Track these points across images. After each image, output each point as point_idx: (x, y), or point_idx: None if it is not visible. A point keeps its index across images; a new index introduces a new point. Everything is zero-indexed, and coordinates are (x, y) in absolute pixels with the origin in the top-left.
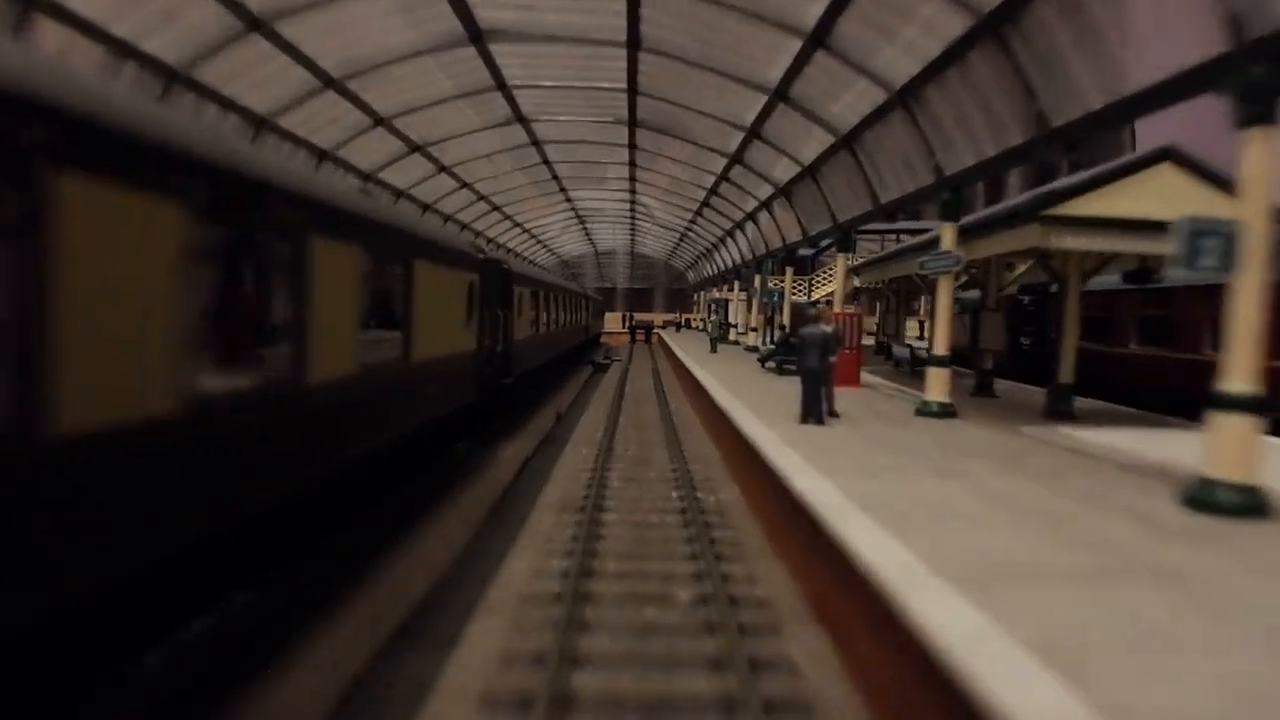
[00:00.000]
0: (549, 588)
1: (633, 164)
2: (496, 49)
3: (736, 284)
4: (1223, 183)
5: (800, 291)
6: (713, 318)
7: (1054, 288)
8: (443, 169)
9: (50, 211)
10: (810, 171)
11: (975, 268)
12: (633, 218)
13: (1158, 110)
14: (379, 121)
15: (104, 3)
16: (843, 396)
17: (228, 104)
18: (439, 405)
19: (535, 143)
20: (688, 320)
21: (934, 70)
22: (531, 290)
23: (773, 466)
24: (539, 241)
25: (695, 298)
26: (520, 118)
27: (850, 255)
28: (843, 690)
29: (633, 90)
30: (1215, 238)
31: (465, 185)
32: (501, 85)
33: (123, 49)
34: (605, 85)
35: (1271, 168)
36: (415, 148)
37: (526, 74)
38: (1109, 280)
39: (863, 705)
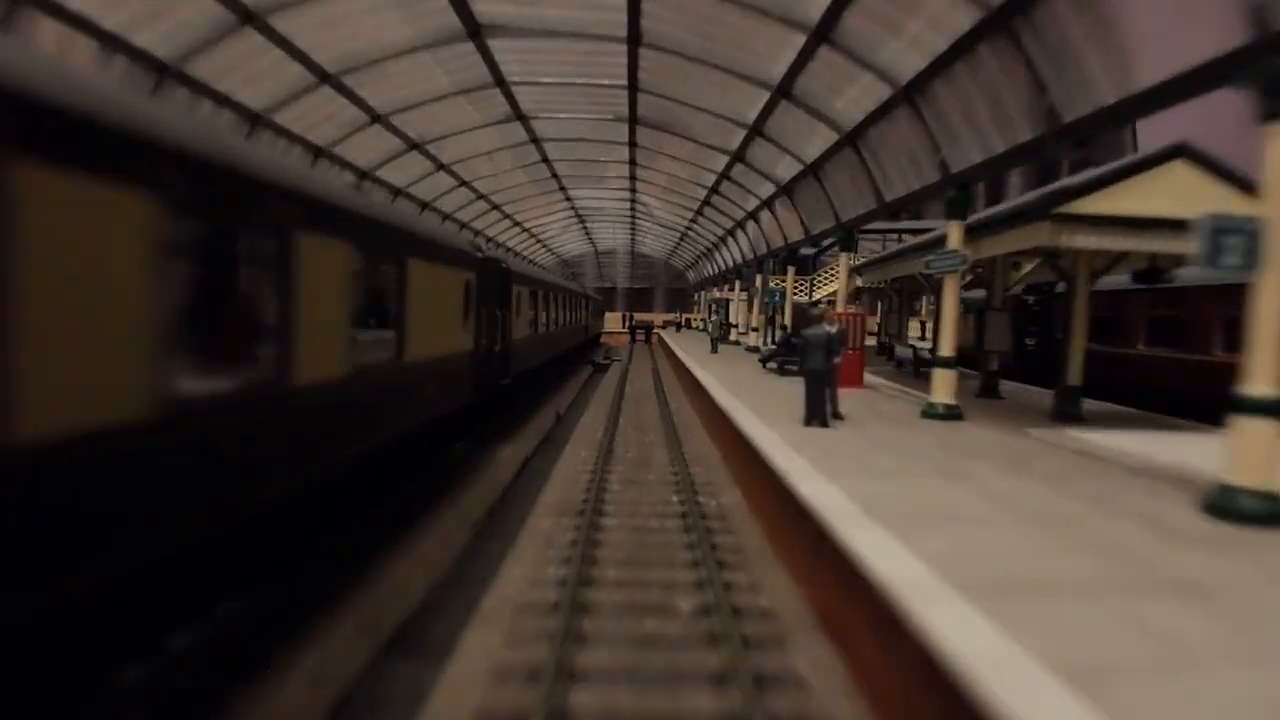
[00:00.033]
0: (546, 596)
1: (633, 162)
2: (495, 44)
3: (737, 284)
4: (1237, 180)
5: (802, 291)
6: (713, 318)
7: (1059, 287)
8: (441, 167)
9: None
10: (813, 169)
11: (980, 267)
12: (633, 217)
13: (1175, 104)
14: (376, 118)
15: None
16: (846, 398)
17: (222, 100)
18: (435, 406)
19: (534, 140)
20: (688, 320)
21: (941, 65)
22: (530, 289)
23: (776, 470)
24: (539, 241)
25: (696, 297)
26: (519, 115)
27: (853, 254)
28: (852, 707)
29: (633, 87)
30: (1238, 235)
31: (464, 184)
32: (500, 81)
33: (114, 43)
34: (605, 82)
35: None
36: (413, 145)
37: (525, 70)
38: (1116, 280)
39: None
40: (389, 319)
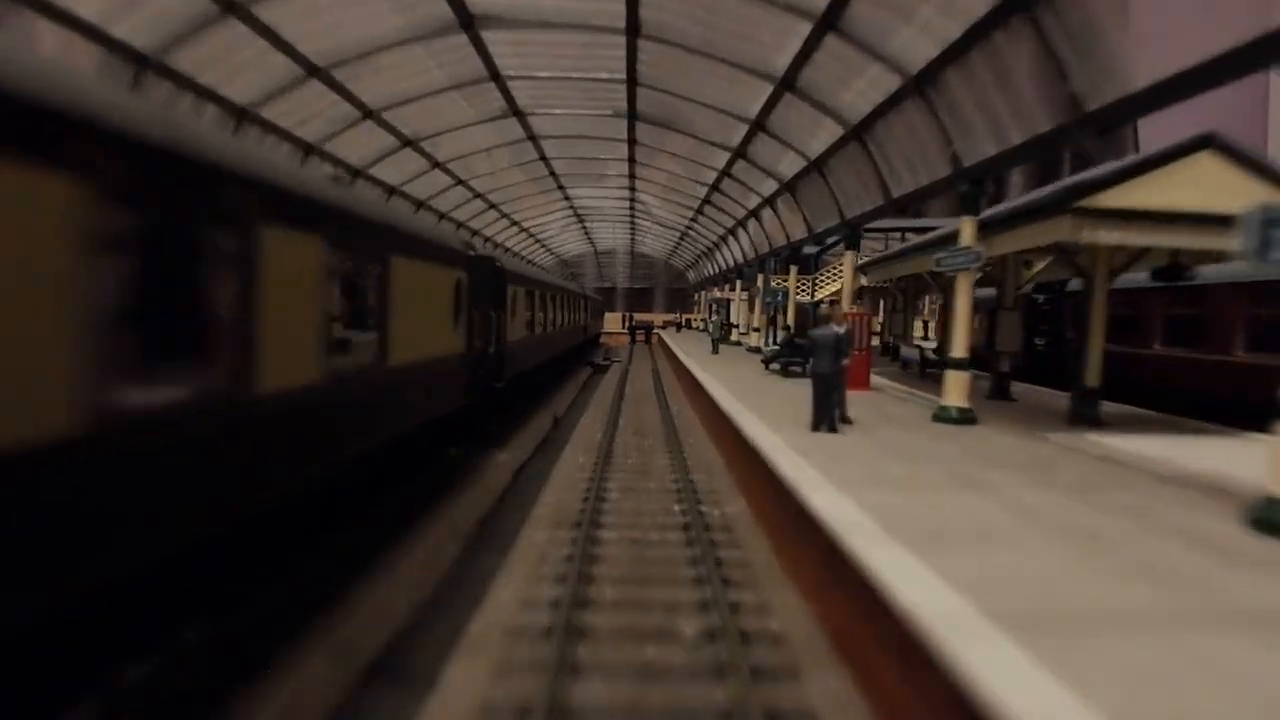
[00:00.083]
0: (538, 620)
1: (632, 160)
2: (489, 36)
3: (738, 283)
4: (1269, 172)
5: (804, 291)
6: (714, 318)
7: (1071, 285)
8: (436, 165)
9: None
10: (817, 165)
11: (991, 265)
12: (632, 216)
13: (1211, 89)
14: (368, 114)
15: None
16: (853, 400)
17: (205, 93)
18: (423, 412)
19: (532, 137)
20: (688, 320)
21: (954, 53)
22: (526, 289)
23: (784, 479)
24: (538, 241)
25: (696, 297)
26: (516, 111)
27: (857, 253)
28: None
29: (632, 81)
30: None
31: (460, 182)
32: (495, 76)
33: (90, 33)
34: (603, 76)
35: None
36: (407, 142)
37: (521, 63)
38: (1131, 278)
39: None
40: (371, 320)
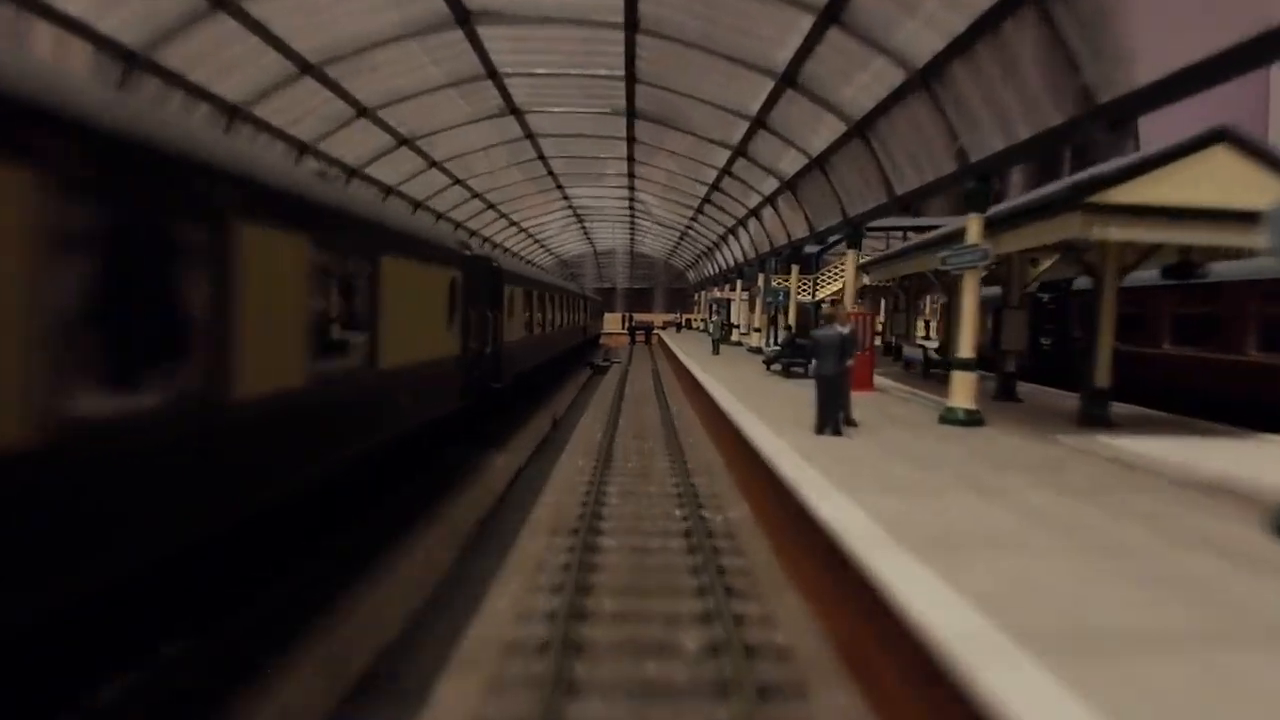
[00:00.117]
0: (534, 633)
1: (631, 158)
2: (486, 32)
3: (739, 283)
4: None
5: (805, 291)
6: (714, 318)
7: (1077, 284)
8: (433, 164)
9: None
10: (819, 163)
11: (997, 263)
12: (632, 216)
13: (1232, 79)
14: (363, 112)
15: None
16: (857, 402)
17: (196, 91)
18: (416, 415)
19: (530, 136)
20: (688, 321)
21: (961, 45)
22: (525, 289)
23: (788, 484)
24: (537, 241)
25: (696, 298)
26: (513, 109)
27: (859, 252)
28: None
29: (631, 77)
30: None
31: (458, 182)
32: (492, 73)
33: (77, 29)
34: (602, 73)
35: None
36: (403, 141)
37: (518, 60)
38: (1139, 276)
39: None
40: (360, 322)
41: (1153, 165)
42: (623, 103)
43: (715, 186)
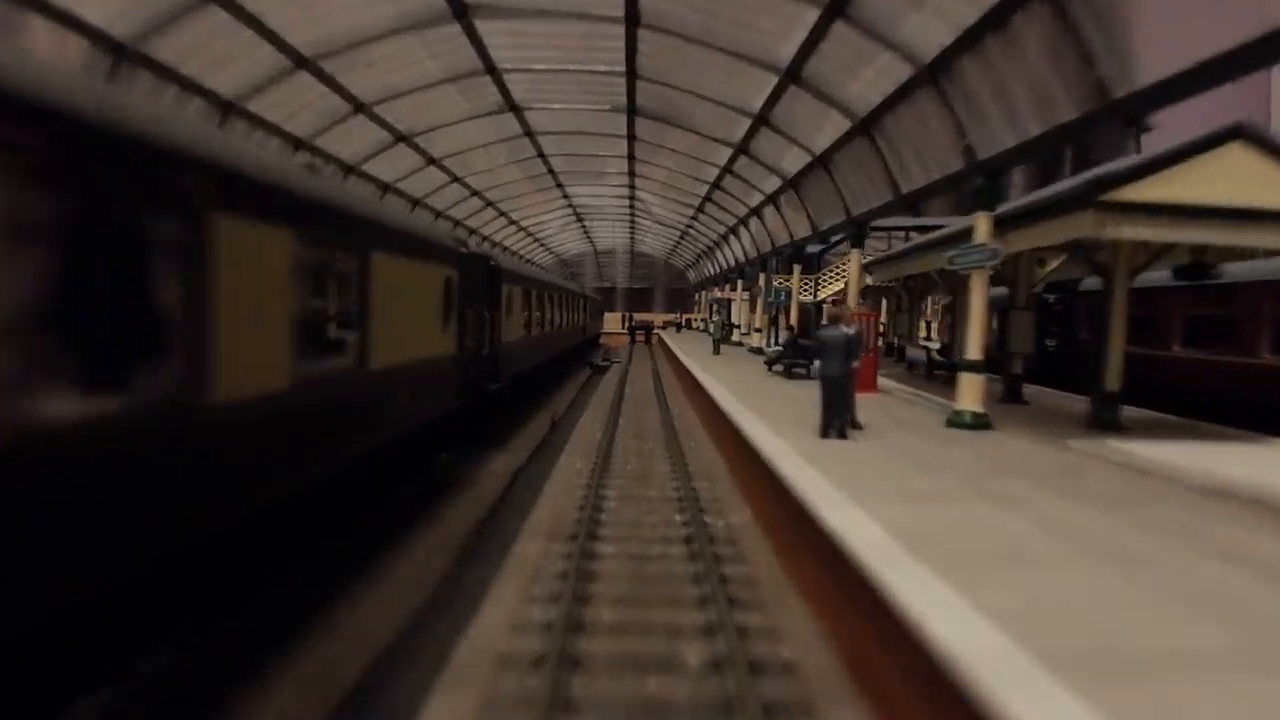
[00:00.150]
0: (530, 646)
1: (631, 156)
2: (483, 26)
3: (739, 283)
4: None
5: (806, 291)
6: (715, 318)
7: (1084, 285)
8: (432, 161)
9: None
10: (822, 161)
11: (1004, 263)
12: (632, 215)
13: (1252, 72)
14: (359, 108)
15: None
16: (861, 403)
17: (189, 85)
18: (409, 417)
19: (529, 133)
20: (688, 320)
21: (970, 39)
22: (523, 289)
23: (794, 490)
24: (537, 240)
25: (696, 297)
26: (512, 105)
27: (862, 251)
28: None
29: (631, 73)
30: None
31: (456, 179)
32: (491, 68)
33: (64, 19)
34: (602, 69)
35: None
36: (401, 137)
37: (517, 55)
38: (1148, 276)
39: None
40: (350, 321)
41: (1167, 163)
42: (623, 99)
43: (716, 185)
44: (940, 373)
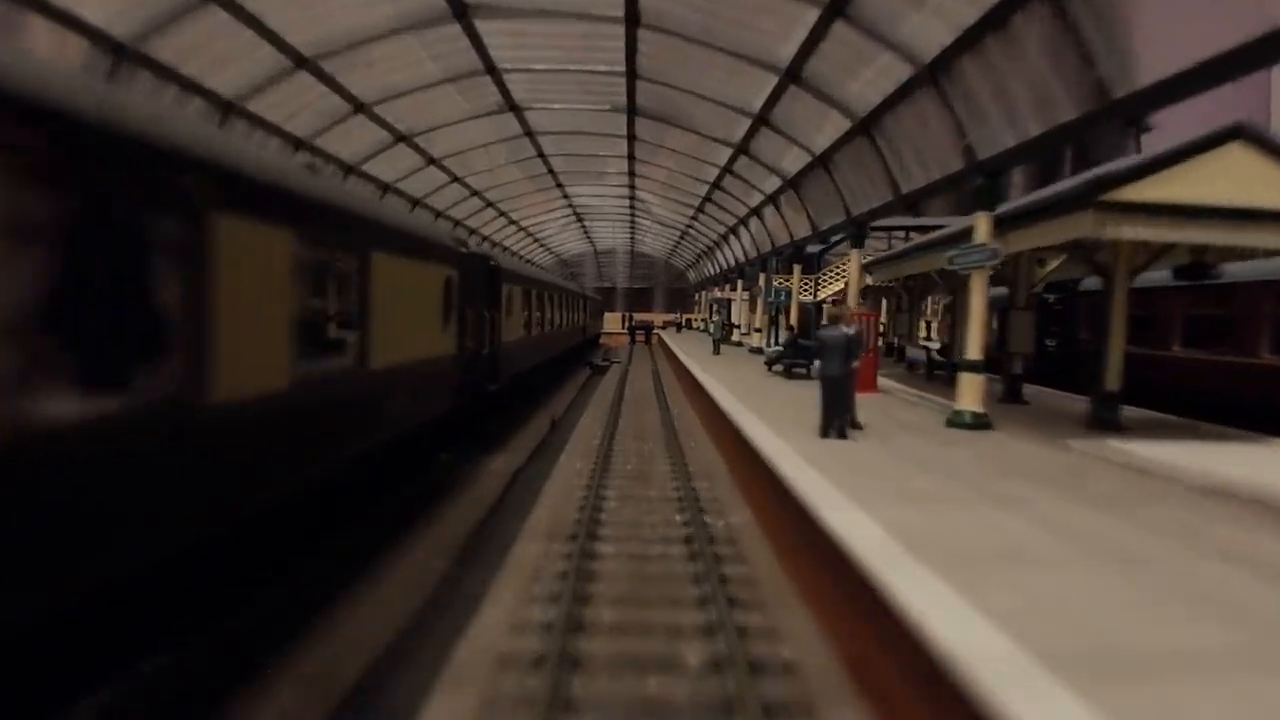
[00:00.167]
0: (530, 646)
1: (631, 156)
2: (484, 26)
3: (739, 283)
4: None
5: (806, 291)
6: (715, 318)
7: (1083, 285)
8: (432, 161)
9: None
10: (822, 161)
11: (1004, 263)
12: (632, 215)
13: (1255, 71)
14: (359, 108)
15: None
16: (861, 404)
17: (189, 85)
18: (408, 417)
19: (529, 133)
20: (688, 320)
21: (970, 39)
22: (523, 289)
23: (794, 491)
24: (537, 240)
25: (696, 297)
26: (512, 105)
27: (862, 251)
28: None
29: (631, 73)
30: None
31: (457, 179)
32: (491, 68)
33: (64, 20)
34: (602, 69)
35: None
36: (401, 137)
37: (517, 55)
38: (1148, 277)
39: None
40: (350, 321)
41: (1167, 163)
42: (623, 99)
43: (716, 185)
44: (940, 373)
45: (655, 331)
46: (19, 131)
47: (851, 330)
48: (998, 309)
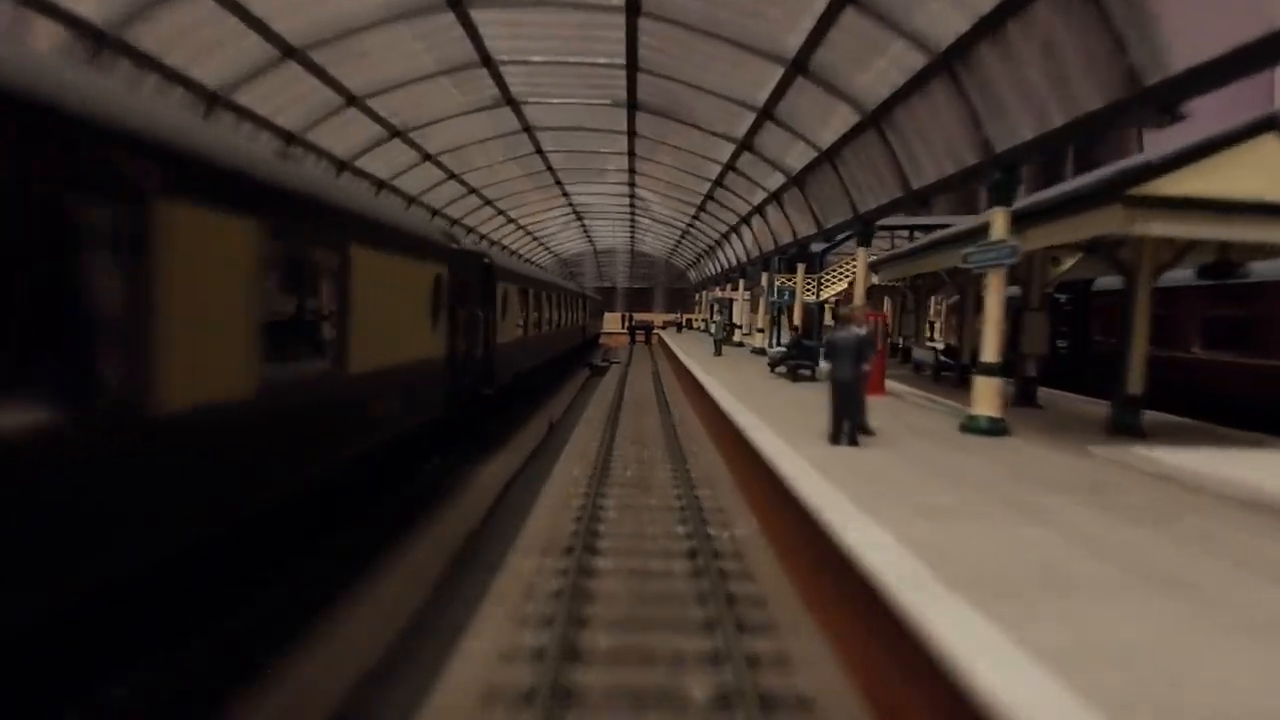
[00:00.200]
0: (519, 678)
1: (632, 153)
2: (479, 16)
3: (741, 283)
4: None
5: (810, 291)
6: (716, 318)
7: (1096, 284)
8: (428, 157)
9: None
10: (829, 156)
11: (1018, 262)
12: (632, 213)
13: None
14: (351, 100)
15: None
16: (870, 407)
17: (172, 75)
18: (394, 424)
19: (527, 129)
20: (689, 320)
21: (989, 25)
22: (520, 288)
23: (805, 504)
24: (536, 240)
25: (697, 297)
26: (509, 99)
27: (869, 250)
28: None
29: (632, 66)
30: None
31: (454, 176)
32: (487, 60)
33: (41, 6)
34: (602, 61)
35: None
36: (395, 132)
37: (514, 46)
38: (1166, 276)
39: None
40: (326, 321)
41: (1197, 155)
42: (623, 93)
43: (718, 183)
44: (948, 375)
45: (655, 332)
46: None
47: (863, 331)
48: (1010, 309)
